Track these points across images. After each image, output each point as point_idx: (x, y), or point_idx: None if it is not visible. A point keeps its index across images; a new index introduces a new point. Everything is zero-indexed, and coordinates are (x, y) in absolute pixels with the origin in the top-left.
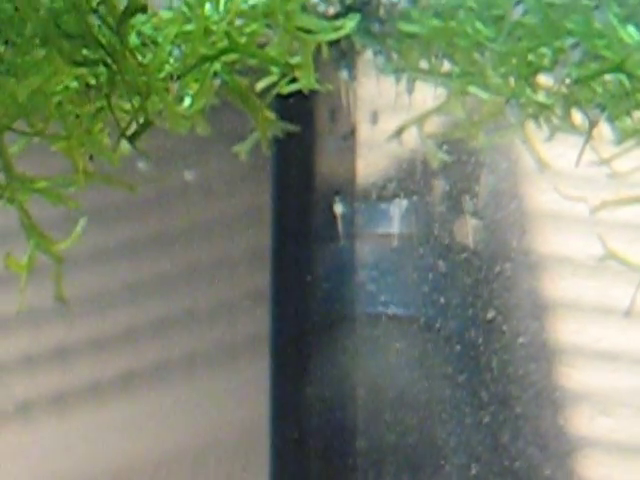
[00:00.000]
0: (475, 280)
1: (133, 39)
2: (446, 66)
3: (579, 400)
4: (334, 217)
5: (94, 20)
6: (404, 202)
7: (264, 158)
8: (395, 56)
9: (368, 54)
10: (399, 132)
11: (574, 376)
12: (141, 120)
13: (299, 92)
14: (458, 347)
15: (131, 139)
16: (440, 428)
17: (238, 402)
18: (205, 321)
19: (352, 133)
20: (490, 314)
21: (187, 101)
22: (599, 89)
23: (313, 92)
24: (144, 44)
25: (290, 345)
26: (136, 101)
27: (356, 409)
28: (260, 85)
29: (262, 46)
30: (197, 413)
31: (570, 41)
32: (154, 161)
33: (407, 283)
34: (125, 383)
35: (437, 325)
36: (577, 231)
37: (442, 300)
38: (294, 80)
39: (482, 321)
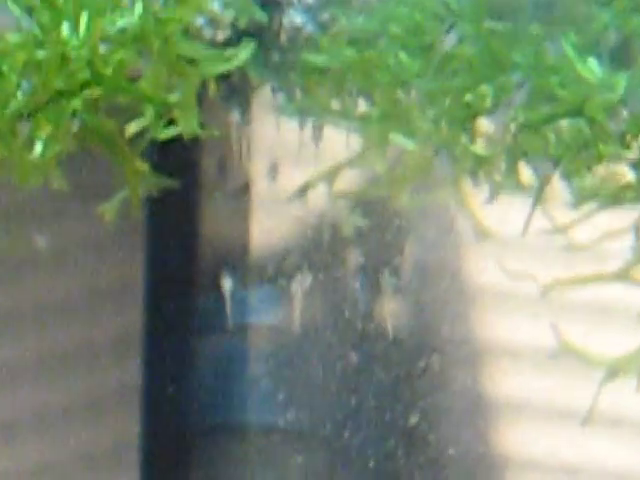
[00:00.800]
0: (395, 377)
1: None
2: (363, 107)
3: None
4: (221, 296)
5: None
6: (308, 278)
7: (136, 220)
8: (299, 94)
9: (266, 91)
10: (303, 190)
11: None
12: None
13: (180, 138)
14: (372, 461)
15: None
16: None
17: None
18: (61, 421)
19: (245, 190)
20: (413, 420)
21: (39, 147)
22: (552, 137)
23: (197, 138)
24: None
25: (164, 453)
26: None
27: None
28: (131, 129)
29: (133, 79)
30: None
31: (517, 77)
32: None
33: (311, 379)
34: None
35: (347, 433)
36: (524, 315)
37: (353, 401)
38: (173, 122)
39: (403, 428)
